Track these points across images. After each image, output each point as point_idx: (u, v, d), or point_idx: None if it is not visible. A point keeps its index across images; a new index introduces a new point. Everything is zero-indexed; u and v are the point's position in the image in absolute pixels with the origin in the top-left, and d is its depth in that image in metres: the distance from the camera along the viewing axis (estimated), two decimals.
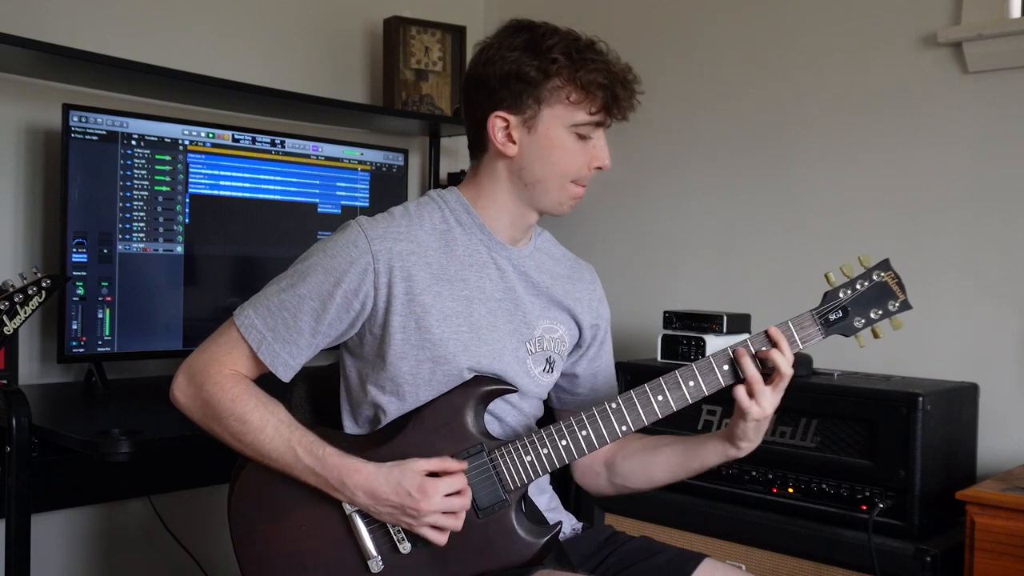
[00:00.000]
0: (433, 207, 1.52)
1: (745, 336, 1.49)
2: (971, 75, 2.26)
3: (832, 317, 1.46)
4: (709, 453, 1.52)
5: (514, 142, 1.47)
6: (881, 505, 1.91)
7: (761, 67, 2.63)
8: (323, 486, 1.39)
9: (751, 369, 1.42)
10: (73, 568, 2.40)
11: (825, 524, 1.97)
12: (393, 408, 1.47)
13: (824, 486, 2.00)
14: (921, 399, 1.89)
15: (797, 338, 1.45)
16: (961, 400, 2.06)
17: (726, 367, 1.45)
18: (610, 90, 1.45)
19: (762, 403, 1.41)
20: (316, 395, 1.67)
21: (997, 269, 2.23)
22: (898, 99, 2.38)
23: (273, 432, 1.40)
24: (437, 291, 1.45)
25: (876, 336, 1.48)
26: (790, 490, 2.05)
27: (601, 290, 1.68)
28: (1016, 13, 2.23)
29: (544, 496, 1.61)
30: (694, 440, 1.55)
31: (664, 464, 1.57)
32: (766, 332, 1.44)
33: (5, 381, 2.10)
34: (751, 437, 1.46)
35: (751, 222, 2.65)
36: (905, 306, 1.48)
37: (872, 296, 1.47)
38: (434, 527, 1.39)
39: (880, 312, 1.47)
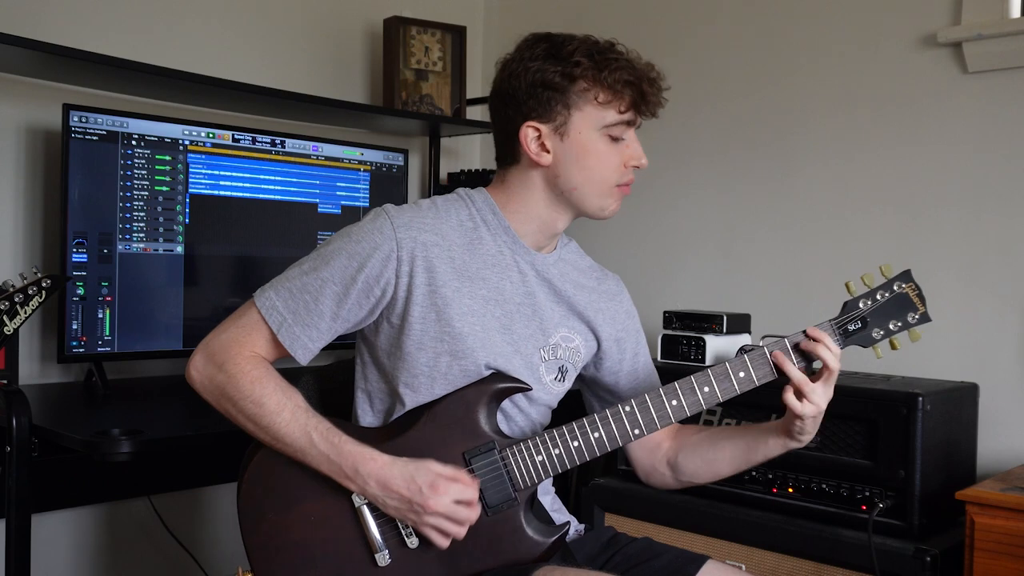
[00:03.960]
0: (460, 205, 1.53)
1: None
2: (971, 75, 2.27)
3: (851, 328, 1.45)
4: (771, 447, 1.53)
5: (548, 151, 1.48)
6: (881, 505, 1.91)
7: (761, 67, 2.63)
8: (335, 474, 1.39)
9: (795, 372, 1.42)
10: (73, 568, 2.40)
11: (825, 524, 1.97)
12: (409, 400, 1.47)
13: (824, 486, 2.00)
14: (921, 399, 1.89)
15: (830, 340, 1.44)
16: (961, 400, 2.06)
17: (742, 374, 1.46)
18: (637, 87, 1.45)
19: (815, 400, 1.42)
20: (324, 392, 1.68)
21: (997, 269, 2.23)
22: (898, 99, 2.38)
23: (290, 416, 1.40)
24: (457, 286, 1.46)
25: (894, 348, 1.47)
26: (790, 490, 2.05)
27: (628, 301, 1.68)
28: (1016, 13, 2.23)
29: (547, 498, 1.61)
30: (754, 433, 1.55)
31: (728, 459, 1.58)
32: (805, 332, 1.43)
33: (5, 381, 2.10)
34: (809, 430, 1.47)
35: (751, 222, 2.65)
36: (924, 318, 1.47)
37: (892, 307, 1.46)
38: (437, 529, 1.39)
39: (899, 324, 1.46)
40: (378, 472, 1.38)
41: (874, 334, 1.46)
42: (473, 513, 1.39)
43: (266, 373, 1.43)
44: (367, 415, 1.54)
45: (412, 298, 1.44)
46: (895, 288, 1.46)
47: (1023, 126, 2.21)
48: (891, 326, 1.46)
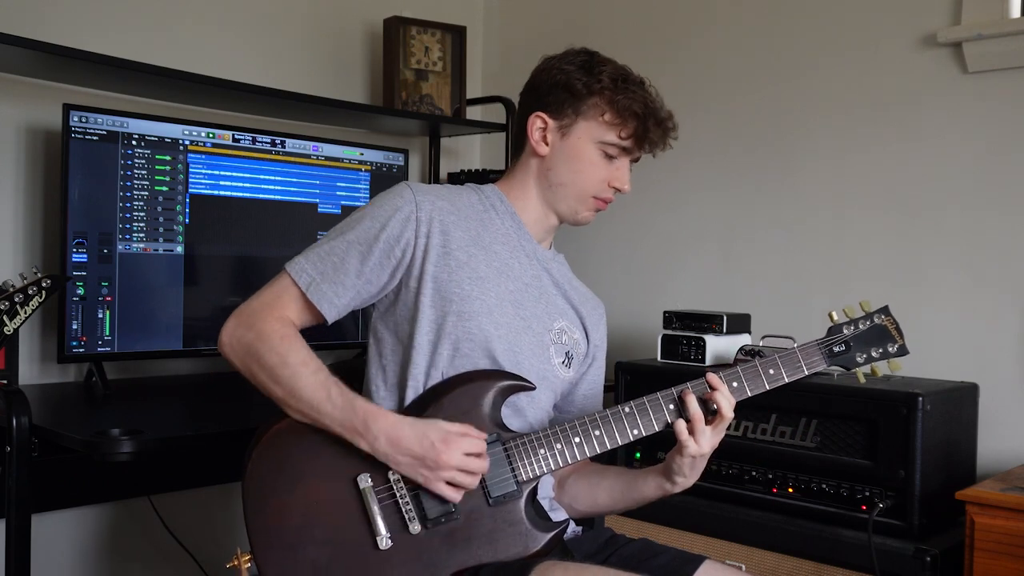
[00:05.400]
0: (471, 192, 1.64)
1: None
2: (971, 75, 2.26)
3: (836, 349, 1.53)
4: (648, 486, 1.58)
5: (547, 143, 1.59)
6: (881, 505, 1.91)
7: (761, 67, 2.63)
8: (347, 430, 1.42)
9: (695, 408, 1.47)
10: (73, 568, 2.40)
11: (825, 524, 1.97)
12: (417, 361, 1.51)
13: (824, 486, 2.00)
14: (921, 399, 1.89)
15: (803, 363, 1.51)
16: (961, 400, 2.06)
17: (735, 384, 1.50)
18: (643, 121, 1.56)
19: (700, 441, 1.46)
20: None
21: (997, 269, 2.23)
22: (898, 99, 2.38)
23: (312, 371, 1.44)
24: (473, 252, 1.54)
25: (875, 374, 1.55)
26: (790, 490, 2.05)
27: (605, 323, 1.76)
28: (1016, 13, 2.23)
29: (544, 501, 1.62)
30: (636, 473, 1.62)
31: (607, 490, 1.64)
32: (705, 377, 1.49)
33: (5, 381, 2.10)
34: (686, 473, 1.52)
35: (751, 222, 2.65)
36: (903, 351, 1.54)
37: (872, 336, 1.54)
38: (449, 483, 1.41)
39: (880, 352, 1.54)
40: (389, 429, 1.41)
41: (857, 358, 1.53)
42: (484, 463, 1.43)
43: (294, 334, 1.49)
44: (380, 390, 1.57)
45: (428, 257, 1.51)
46: (875, 320, 1.54)
47: (1023, 126, 2.21)
48: (873, 353, 1.54)
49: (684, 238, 2.78)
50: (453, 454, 1.39)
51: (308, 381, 1.43)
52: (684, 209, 2.78)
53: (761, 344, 2.21)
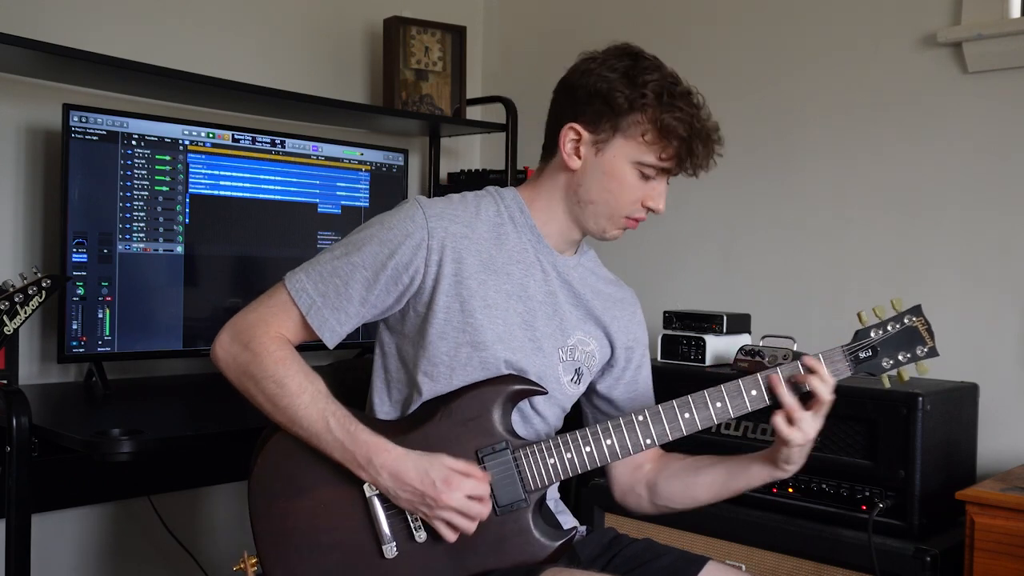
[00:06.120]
0: (489, 200, 1.55)
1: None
2: (971, 75, 2.27)
3: (862, 355, 1.48)
4: (754, 475, 1.54)
5: (580, 157, 1.50)
6: (881, 505, 1.91)
7: (761, 67, 2.63)
8: (348, 462, 1.40)
9: (788, 397, 1.43)
10: (73, 568, 2.40)
11: (825, 524, 1.97)
12: (427, 389, 1.48)
13: (824, 486, 2.00)
14: (921, 399, 1.89)
15: (825, 371, 1.46)
16: (961, 400, 2.06)
17: (754, 392, 1.47)
18: (687, 143, 1.46)
19: (804, 428, 1.43)
20: (343, 387, 1.67)
21: (997, 269, 2.23)
22: (898, 99, 2.38)
23: (309, 400, 1.40)
24: (483, 279, 1.48)
25: (902, 380, 1.50)
26: (790, 490, 2.05)
27: (640, 315, 1.70)
28: (1016, 13, 2.23)
29: (551, 503, 1.61)
30: (737, 462, 1.56)
31: (707, 485, 1.59)
32: (801, 361, 1.44)
33: (5, 381, 2.10)
34: (796, 460, 1.48)
35: (751, 222, 2.65)
36: (932, 353, 1.49)
37: (901, 339, 1.48)
38: (447, 523, 1.40)
39: (908, 356, 1.48)
40: (392, 464, 1.38)
41: (884, 363, 1.48)
42: (484, 508, 1.40)
43: (290, 355, 1.44)
44: (384, 404, 1.55)
45: (439, 287, 1.45)
46: (905, 321, 1.49)
47: (1023, 126, 2.21)
48: (900, 357, 1.48)
49: (684, 238, 2.78)
50: (454, 495, 1.37)
51: (306, 412, 1.40)
52: (684, 209, 2.78)
53: (761, 344, 2.21)
